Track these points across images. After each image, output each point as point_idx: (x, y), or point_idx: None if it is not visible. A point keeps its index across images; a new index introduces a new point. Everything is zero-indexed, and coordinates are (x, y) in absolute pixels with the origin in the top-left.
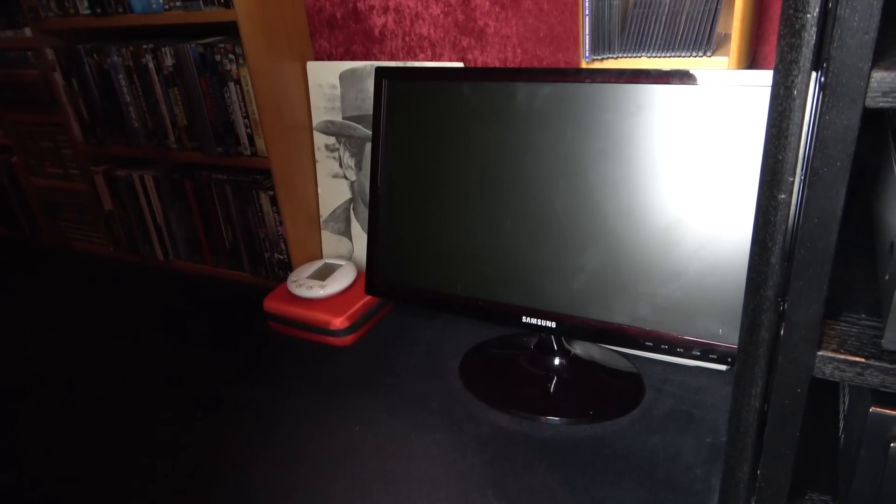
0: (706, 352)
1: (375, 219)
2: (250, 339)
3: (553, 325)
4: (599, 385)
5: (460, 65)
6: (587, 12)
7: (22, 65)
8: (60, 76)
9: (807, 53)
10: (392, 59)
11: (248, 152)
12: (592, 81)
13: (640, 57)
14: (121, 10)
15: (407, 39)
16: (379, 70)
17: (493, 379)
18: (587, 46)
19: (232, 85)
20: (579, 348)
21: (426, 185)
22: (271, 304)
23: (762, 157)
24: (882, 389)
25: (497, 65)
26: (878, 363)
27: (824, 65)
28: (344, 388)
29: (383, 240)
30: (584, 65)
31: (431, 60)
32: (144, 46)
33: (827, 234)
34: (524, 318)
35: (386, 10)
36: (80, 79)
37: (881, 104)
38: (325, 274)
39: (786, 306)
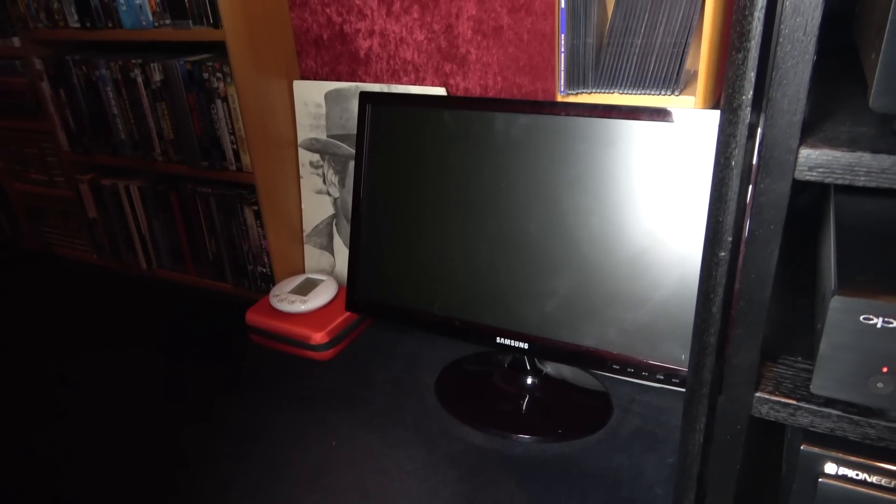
0: (669, 376)
1: (357, 237)
2: (232, 351)
3: (526, 346)
4: (569, 404)
5: (442, 90)
6: (562, 49)
7: (9, 73)
8: (48, 85)
9: (743, 130)
10: (377, 80)
11: (234, 167)
12: (567, 114)
13: (612, 93)
14: (110, 24)
15: (391, 62)
16: (363, 94)
17: (467, 396)
18: (562, 81)
19: (219, 102)
20: (551, 367)
21: (407, 206)
22: (253, 318)
23: (706, 218)
24: (811, 429)
25: (478, 90)
26: (807, 405)
27: (759, 140)
28: (323, 403)
29: (364, 258)
30: (559, 98)
31: (415, 84)
32: (133, 61)
33: (762, 288)
34: (498, 338)
35: (371, 33)
36: (67, 89)
37: (808, 177)
38: (306, 289)
39: (727, 351)
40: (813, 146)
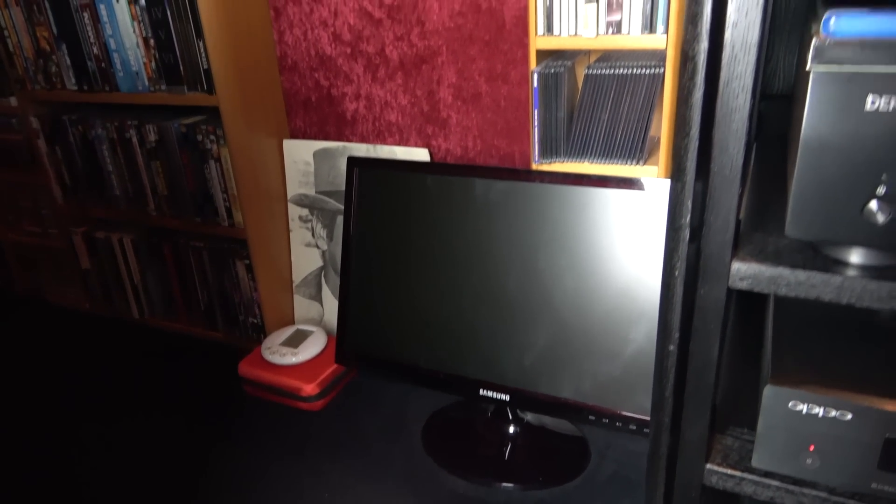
0: (640, 426)
1: (346, 293)
2: (225, 402)
3: (507, 397)
4: (549, 450)
5: (425, 151)
6: (536, 123)
7: (5, 129)
8: (44, 143)
9: (683, 247)
10: (363, 140)
11: (226, 223)
12: (541, 181)
13: (583, 162)
14: (107, 88)
15: (377, 124)
16: (350, 159)
17: (452, 444)
18: (536, 151)
19: (212, 162)
20: (531, 415)
21: (393, 264)
22: (245, 369)
23: (658, 316)
24: (754, 497)
25: (459, 151)
26: (750, 476)
27: (698, 253)
28: (315, 452)
29: (353, 313)
30: (534, 166)
31: (399, 144)
32: (129, 122)
33: (707, 374)
34: (482, 390)
35: (357, 97)
36: (63, 146)
37: (739, 286)
38: (297, 340)
39: (681, 426)
40: (743, 259)
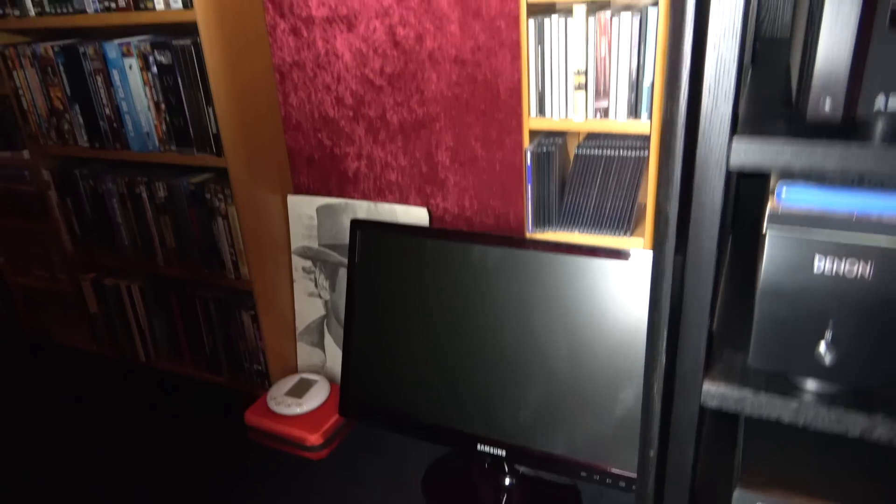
0: (629, 483)
1: (349, 349)
2: (229, 448)
3: (503, 453)
4: (544, 500)
5: (424, 211)
6: (529, 196)
7: (18, 180)
8: (55, 194)
9: (660, 371)
10: (364, 197)
11: (233, 275)
12: (535, 249)
13: (573, 232)
14: (118, 146)
15: (377, 182)
16: (354, 222)
17: (451, 495)
18: (530, 222)
19: (220, 219)
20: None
21: (394, 322)
22: (252, 418)
23: (640, 425)
24: None
25: (456, 210)
26: None
27: (673, 376)
28: (319, 502)
29: (356, 368)
30: (528, 235)
31: (399, 202)
32: (139, 178)
33: (683, 479)
34: (479, 445)
35: (359, 156)
36: (73, 198)
37: (710, 405)
38: (301, 390)
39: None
40: (712, 380)
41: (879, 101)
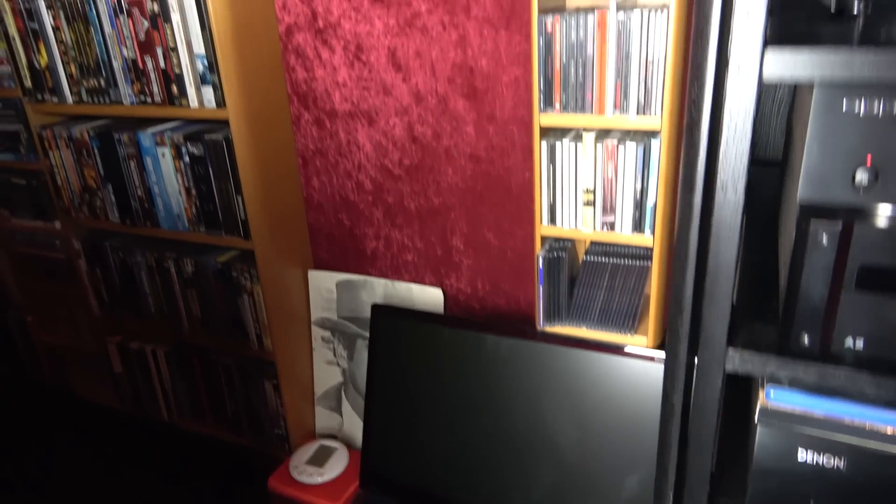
0: None
1: (369, 427)
2: None
3: None
4: None
5: (439, 291)
6: (541, 295)
7: (48, 248)
8: (84, 263)
9: (671, 479)
10: (381, 275)
11: (256, 347)
12: (545, 342)
13: (581, 327)
14: (148, 224)
15: (394, 262)
16: (374, 307)
17: None
18: (541, 317)
19: (245, 296)
20: None
21: (412, 402)
22: (275, 485)
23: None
24: None
25: (469, 290)
26: None
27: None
28: None
29: (375, 445)
30: (539, 328)
31: (415, 281)
32: (168, 254)
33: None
34: None
35: (378, 237)
36: (102, 267)
37: None
38: (321, 459)
39: None
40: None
41: (849, 341)
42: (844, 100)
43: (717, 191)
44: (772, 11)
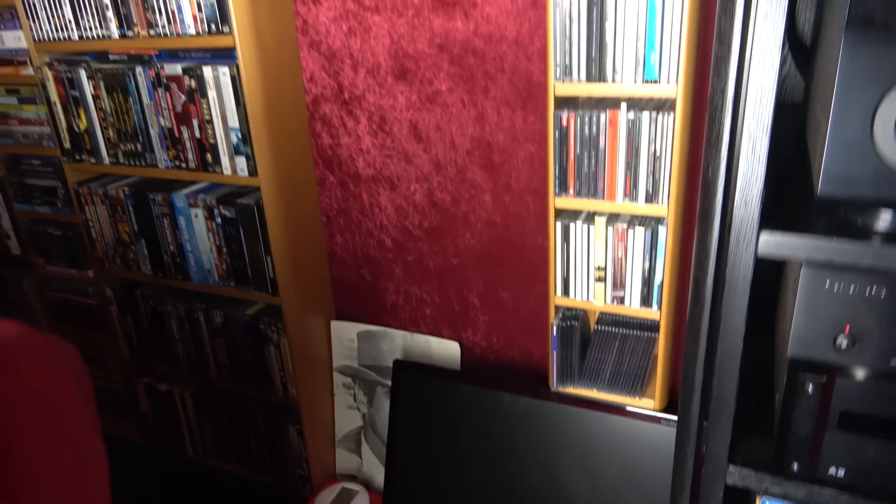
0: None
1: (390, 478)
2: None
3: None
4: None
5: (457, 345)
6: (554, 360)
7: (81, 294)
8: (116, 309)
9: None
10: (401, 326)
11: (281, 394)
12: (559, 402)
13: (592, 390)
14: (180, 277)
15: (413, 315)
16: (396, 363)
17: None
18: (555, 378)
19: (272, 347)
20: None
21: (432, 455)
22: None
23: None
24: None
25: (485, 344)
26: None
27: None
28: None
29: (396, 495)
30: (553, 389)
31: (433, 333)
32: (198, 305)
33: None
34: None
35: (397, 292)
36: (133, 315)
37: None
38: (344, 501)
39: None
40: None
41: (832, 470)
42: (827, 279)
43: (718, 356)
44: (769, 191)
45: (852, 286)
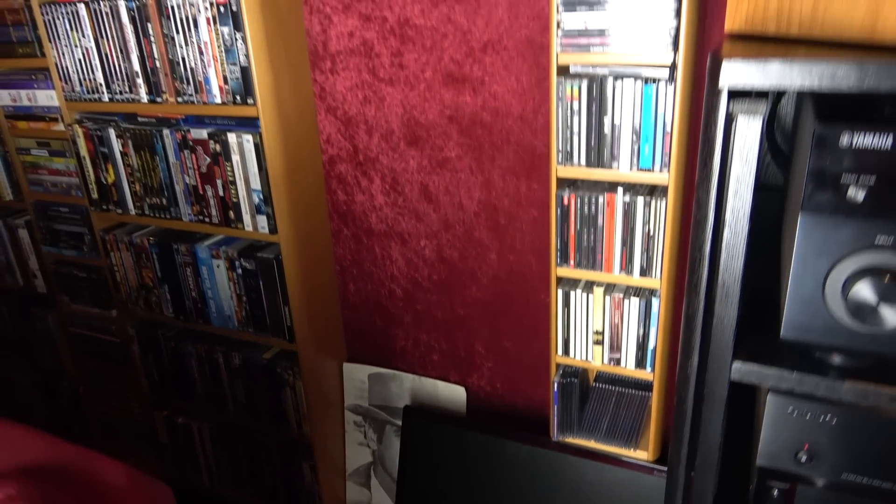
0: None
1: None
2: None
3: None
4: None
5: (462, 390)
6: (555, 413)
7: (104, 331)
8: (138, 348)
9: None
10: (410, 370)
11: (296, 433)
12: (559, 451)
13: (591, 440)
14: (200, 321)
15: (422, 360)
16: (406, 409)
17: None
18: (555, 429)
19: (287, 389)
20: None
21: (439, 495)
22: None
23: None
24: None
25: (489, 388)
26: None
27: None
28: None
29: None
30: (553, 438)
31: (440, 377)
32: (217, 347)
33: None
34: None
35: (407, 338)
36: (155, 354)
37: None
38: None
39: None
40: None
41: None
42: (790, 405)
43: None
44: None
45: (809, 412)
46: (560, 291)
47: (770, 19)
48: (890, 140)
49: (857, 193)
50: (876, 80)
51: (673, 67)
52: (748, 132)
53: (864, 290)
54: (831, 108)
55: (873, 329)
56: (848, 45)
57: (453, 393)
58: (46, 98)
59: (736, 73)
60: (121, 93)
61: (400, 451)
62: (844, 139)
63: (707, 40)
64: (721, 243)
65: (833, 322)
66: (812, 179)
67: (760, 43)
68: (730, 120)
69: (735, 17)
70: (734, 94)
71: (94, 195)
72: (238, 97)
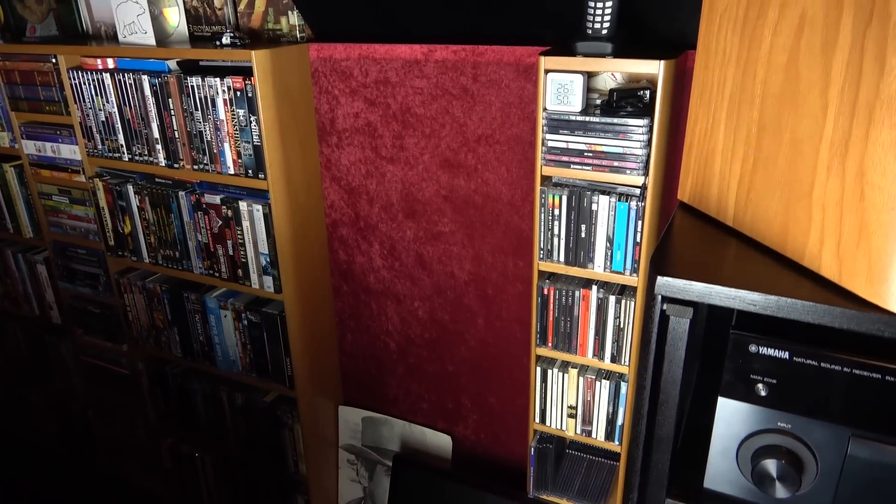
0: None
1: None
2: None
3: None
4: None
5: (448, 439)
6: (532, 473)
7: (115, 363)
8: (146, 381)
9: None
10: (401, 416)
11: (293, 470)
12: None
13: (563, 499)
14: (207, 363)
15: (412, 407)
16: (396, 457)
17: None
18: (531, 486)
19: (286, 430)
20: None
21: None
22: None
23: None
24: None
25: (474, 438)
26: None
27: None
28: None
29: None
30: (529, 495)
31: (428, 425)
32: (222, 387)
33: None
34: None
35: (399, 387)
36: (162, 388)
37: None
38: None
39: None
40: None
41: None
42: None
43: None
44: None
45: None
46: (539, 368)
47: (712, 204)
48: (787, 353)
49: (762, 389)
50: (777, 309)
51: (643, 188)
52: (678, 327)
53: (769, 465)
54: (749, 317)
55: (770, 498)
56: (768, 251)
57: (440, 440)
58: (70, 151)
59: (668, 286)
60: (140, 155)
61: (388, 495)
62: (752, 347)
63: (676, 164)
64: (658, 406)
65: (743, 482)
66: (728, 372)
67: (701, 228)
68: (664, 317)
69: (685, 190)
70: (667, 298)
71: (111, 242)
72: (250, 171)
